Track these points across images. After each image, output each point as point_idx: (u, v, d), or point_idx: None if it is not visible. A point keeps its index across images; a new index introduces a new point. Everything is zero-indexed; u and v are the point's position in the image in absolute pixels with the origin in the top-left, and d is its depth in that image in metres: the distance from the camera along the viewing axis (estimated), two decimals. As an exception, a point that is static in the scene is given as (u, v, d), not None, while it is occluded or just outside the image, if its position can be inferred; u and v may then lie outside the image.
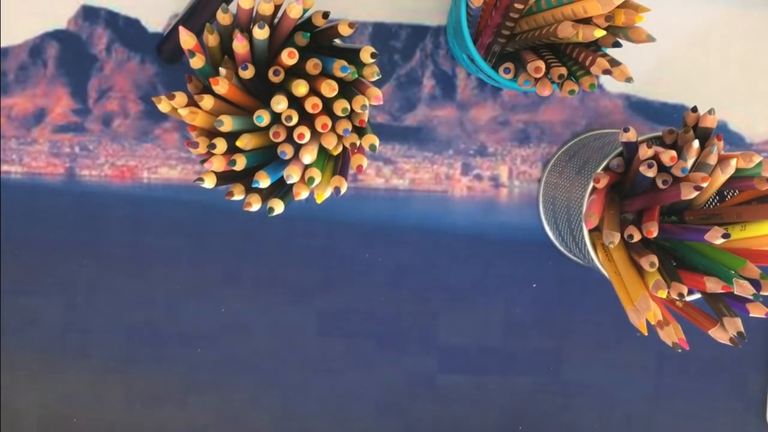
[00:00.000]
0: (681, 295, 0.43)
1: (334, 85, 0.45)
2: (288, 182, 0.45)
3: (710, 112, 0.47)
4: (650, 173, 0.45)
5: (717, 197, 0.51)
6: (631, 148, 0.46)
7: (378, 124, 0.59)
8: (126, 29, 0.58)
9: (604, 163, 0.48)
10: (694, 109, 0.47)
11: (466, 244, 0.60)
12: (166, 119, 0.58)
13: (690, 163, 0.45)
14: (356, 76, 0.46)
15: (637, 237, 0.46)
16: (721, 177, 0.45)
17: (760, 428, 0.61)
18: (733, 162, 0.44)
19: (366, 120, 0.46)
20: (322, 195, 0.47)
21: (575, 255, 0.57)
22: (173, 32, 0.57)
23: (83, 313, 0.59)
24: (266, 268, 0.60)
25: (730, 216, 0.46)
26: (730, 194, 0.51)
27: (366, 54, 0.46)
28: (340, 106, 0.45)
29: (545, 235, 0.60)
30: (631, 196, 0.49)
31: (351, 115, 0.46)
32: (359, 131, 0.47)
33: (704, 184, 0.43)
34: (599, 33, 0.45)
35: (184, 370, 0.60)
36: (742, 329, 0.44)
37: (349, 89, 0.47)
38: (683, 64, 0.59)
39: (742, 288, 0.43)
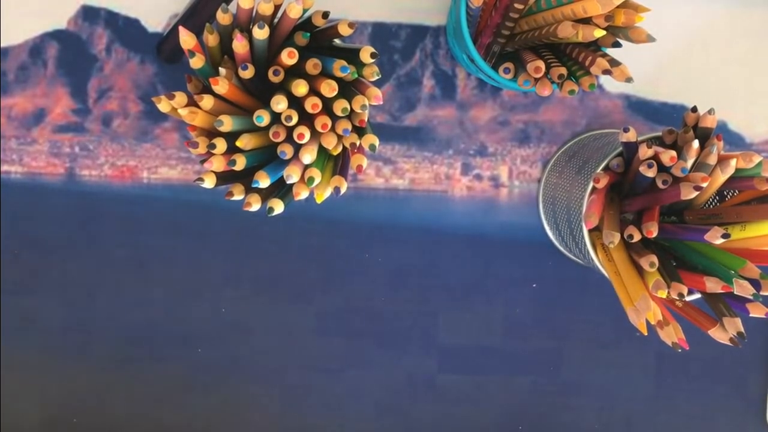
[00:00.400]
0: (681, 295, 0.43)
1: (334, 85, 0.45)
2: (288, 182, 0.45)
3: (710, 112, 0.46)
4: (650, 173, 0.45)
5: (717, 197, 0.51)
6: (630, 148, 0.46)
7: (378, 124, 0.59)
8: (126, 29, 0.58)
9: (604, 163, 0.48)
10: (694, 109, 0.47)
11: (466, 244, 0.60)
12: (165, 119, 0.58)
13: (690, 163, 0.45)
14: (356, 76, 0.46)
15: (637, 237, 0.46)
16: (721, 177, 0.45)
17: (760, 428, 0.61)
18: (733, 162, 0.44)
19: (366, 120, 0.46)
20: (322, 195, 0.47)
21: (575, 255, 0.57)
22: (173, 32, 0.57)
23: (83, 313, 0.59)
24: (266, 268, 0.60)
25: (729, 216, 0.46)
26: (730, 194, 0.51)
27: (366, 54, 0.46)
28: (340, 106, 0.45)
29: (545, 235, 0.60)
30: (630, 196, 0.49)
31: (351, 115, 0.46)
32: (359, 131, 0.47)
33: (704, 184, 0.43)
34: (599, 33, 0.45)
35: (184, 370, 0.60)
36: (742, 329, 0.44)
37: (348, 89, 0.47)
38: (683, 64, 0.59)
39: (742, 288, 0.43)
